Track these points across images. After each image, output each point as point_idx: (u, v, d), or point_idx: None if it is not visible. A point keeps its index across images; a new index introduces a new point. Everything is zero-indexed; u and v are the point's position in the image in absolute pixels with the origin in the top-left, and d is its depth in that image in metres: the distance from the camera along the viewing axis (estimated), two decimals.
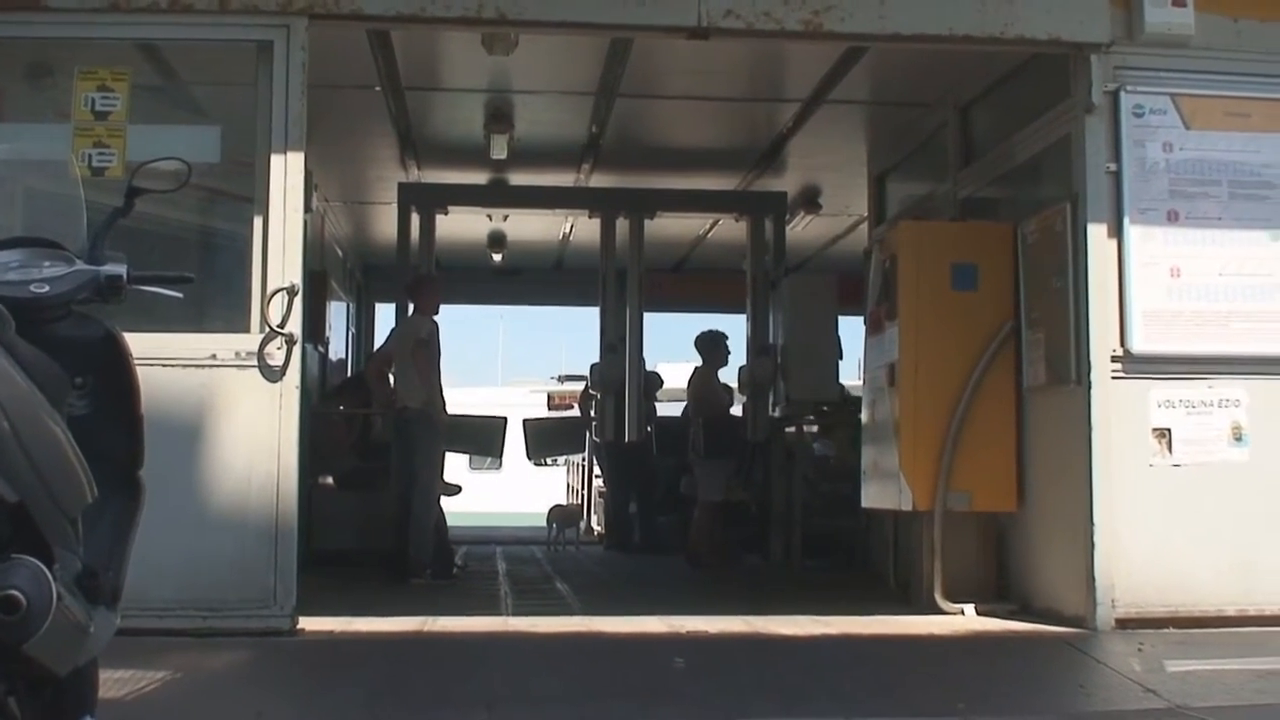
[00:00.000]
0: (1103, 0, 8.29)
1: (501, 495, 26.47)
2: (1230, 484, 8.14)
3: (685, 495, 14.77)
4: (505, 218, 16.65)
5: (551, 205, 16.02)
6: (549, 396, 29.76)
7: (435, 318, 12.00)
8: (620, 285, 15.90)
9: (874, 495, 9.90)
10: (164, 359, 7.30)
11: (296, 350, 7.64)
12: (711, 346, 14.35)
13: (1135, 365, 8.13)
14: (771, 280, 15.11)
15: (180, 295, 4.32)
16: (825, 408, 13.58)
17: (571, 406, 21.92)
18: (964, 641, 7.97)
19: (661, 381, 17.16)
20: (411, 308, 12.45)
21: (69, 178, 4.45)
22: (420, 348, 11.61)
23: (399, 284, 14.35)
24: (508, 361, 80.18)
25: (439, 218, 15.20)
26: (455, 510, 13.52)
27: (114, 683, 5.67)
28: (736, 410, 15.16)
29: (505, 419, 15.77)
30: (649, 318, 16.27)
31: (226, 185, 8.26)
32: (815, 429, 14.36)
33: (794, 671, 7.06)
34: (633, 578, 13.15)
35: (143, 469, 4.02)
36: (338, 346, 17.47)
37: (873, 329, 9.91)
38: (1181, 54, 8.35)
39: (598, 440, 16.88)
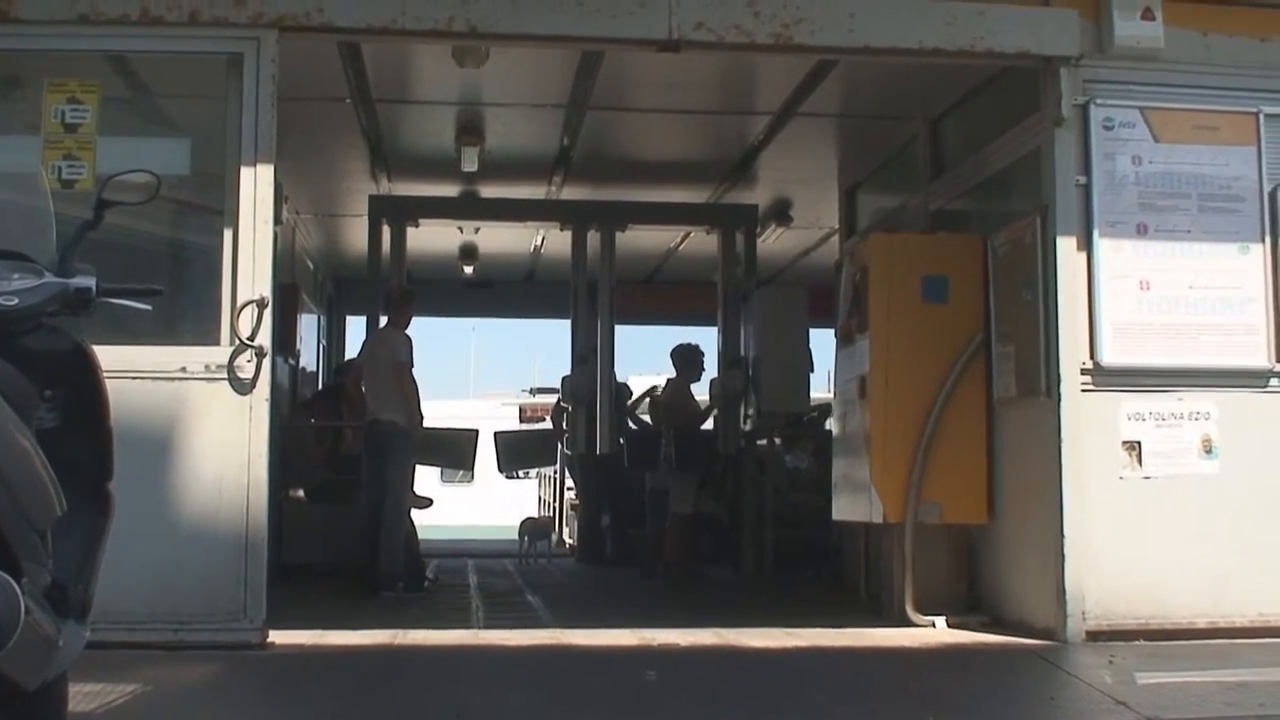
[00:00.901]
0: (1072, 14, 8.34)
1: (473, 508, 26.43)
2: (1200, 497, 8.16)
3: (653, 506, 14.67)
4: (476, 230, 16.62)
5: (523, 218, 15.99)
6: (521, 409, 29.72)
7: (408, 332, 11.98)
8: (592, 298, 15.89)
9: (845, 507, 9.91)
10: (134, 371, 7.28)
11: (266, 363, 7.62)
12: (687, 360, 14.33)
13: (1105, 378, 8.16)
14: (743, 293, 15.12)
15: (149, 308, 4.32)
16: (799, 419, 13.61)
17: (544, 419, 21.90)
18: (935, 654, 7.98)
19: (630, 392, 17.15)
20: (385, 320, 12.44)
21: (38, 190, 4.41)
22: (402, 370, 11.59)
23: (370, 296, 14.34)
24: (479, 374, 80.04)
25: (410, 230, 15.17)
26: (427, 523, 13.49)
27: (83, 696, 5.64)
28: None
29: (477, 431, 15.73)
30: (620, 330, 16.28)
31: (196, 198, 8.23)
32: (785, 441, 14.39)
33: (765, 684, 7.06)
34: (604, 590, 13.14)
35: (112, 482, 4.01)
36: (308, 359, 17.42)
37: (844, 341, 9.92)
38: (1151, 67, 8.40)
39: (570, 453, 16.85)
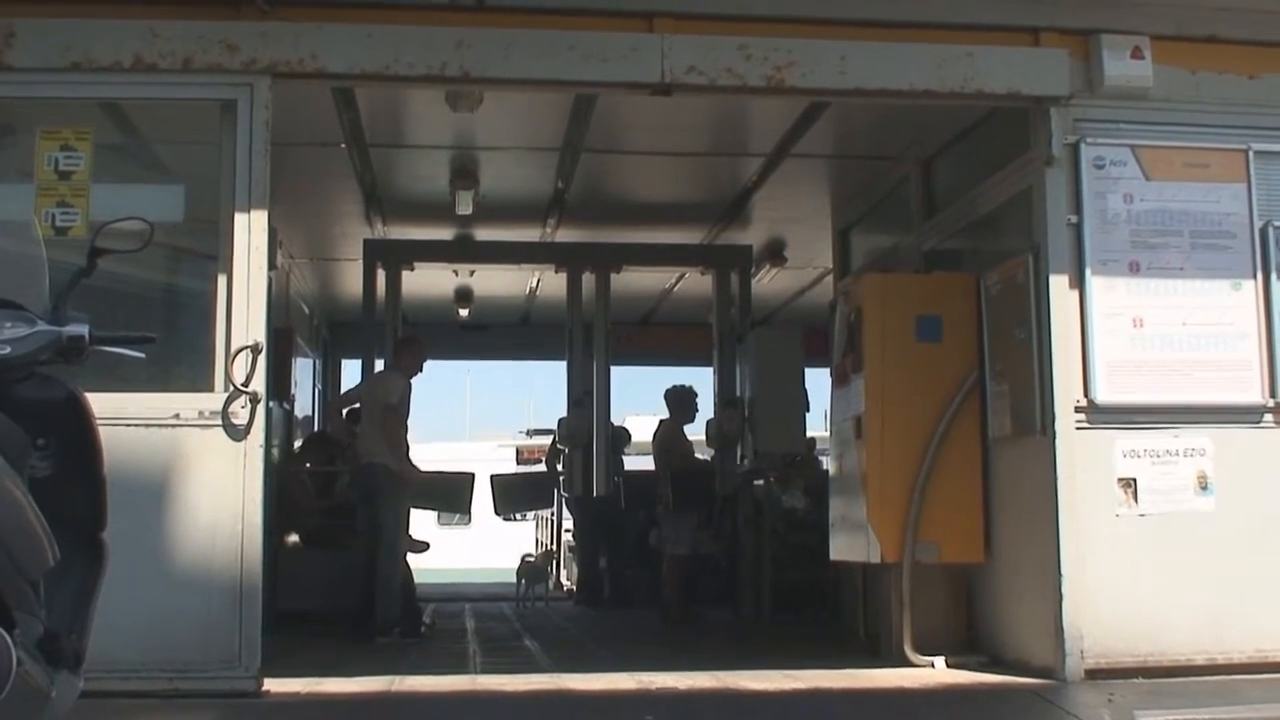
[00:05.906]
0: (1062, 53, 8.37)
1: (470, 551, 26.39)
2: (1197, 533, 8.14)
3: (655, 549, 14.69)
4: (472, 273, 16.68)
5: (518, 260, 16.03)
6: (518, 451, 29.73)
7: (411, 379, 11.94)
8: (587, 339, 15.92)
9: (842, 547, 9.89)
10: (127, 419, 7.26)
11: (261, 409, 7.60)
12: (680, 402, 14.32)
13: (1100, 415, 8.16)
14: (738, 333, 15.14)
15: (143, 355, 4.32)
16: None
17: (541, 460, 21.91)
18: (934, 694, 7.95)
19: (629, 437, 17.16)
20: (388, 363, 12.45)
21: (31, 237, 4.42)
22: (389, 412, 11.53)
23: (365, 340, 14.37)
24: (475, 416, 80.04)
25: (405, 273, 15.21)
26: (423, 567, 13.45)
27: None
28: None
29: (473, 474, 15.70)
30: (616, 371, 16.28)
31: (190, 243, 8.23)
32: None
33: None
34: (602, 633, 13.08)
35: (106, 530, 4.01)
36: (303, 403, 17.40)
37: (839, 381, 9.92)
38: (1141, 106, 8.43)
39: (567, 494, 16.83)
